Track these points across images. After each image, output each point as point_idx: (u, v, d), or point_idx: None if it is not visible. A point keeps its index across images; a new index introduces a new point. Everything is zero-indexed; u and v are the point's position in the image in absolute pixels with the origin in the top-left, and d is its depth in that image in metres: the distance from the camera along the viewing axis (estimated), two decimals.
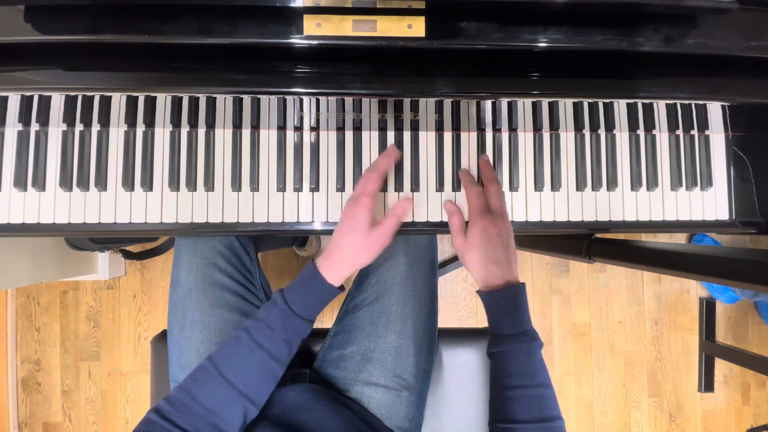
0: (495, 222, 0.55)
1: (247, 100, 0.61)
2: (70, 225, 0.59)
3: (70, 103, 0.59)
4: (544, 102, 0.63)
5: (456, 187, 0.62)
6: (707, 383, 1.42)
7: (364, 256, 0.54)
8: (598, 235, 0.80)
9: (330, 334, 0.69)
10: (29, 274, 1.04)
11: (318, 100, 0.61)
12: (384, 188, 0.62)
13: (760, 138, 0.64)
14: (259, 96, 0.60)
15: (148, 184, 0.60)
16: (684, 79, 0.52)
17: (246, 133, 0.61)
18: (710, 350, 1.39)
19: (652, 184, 0.63)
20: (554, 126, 0.63)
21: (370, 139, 0.62)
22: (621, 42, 0.48)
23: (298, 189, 0.61)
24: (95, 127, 0.60)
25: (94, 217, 0.59)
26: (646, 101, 0.63)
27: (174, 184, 0.60)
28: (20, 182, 0.59)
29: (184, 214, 0.60)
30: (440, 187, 0.62)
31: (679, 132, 0.64)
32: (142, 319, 1.39)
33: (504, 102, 0.62)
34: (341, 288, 0.55)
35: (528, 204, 0.63)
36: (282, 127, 0.61)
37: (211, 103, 0.60)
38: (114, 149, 0.60)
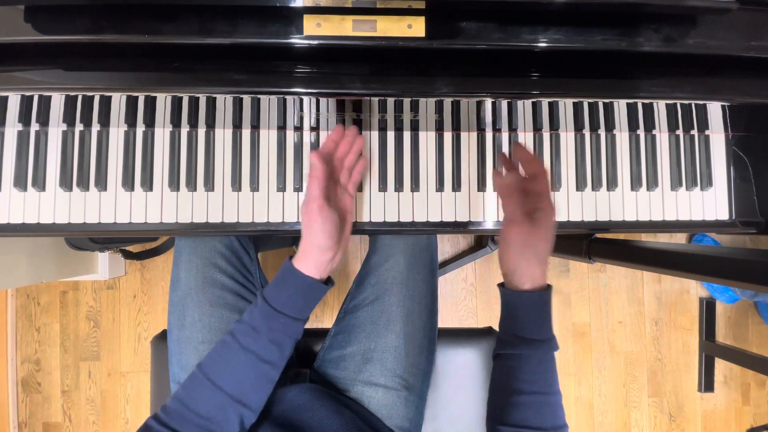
0: (549, 214, 0.51)
1: (247, 100, 0.61)
2: (70, 225, 0.59)
3: (70, 103, 0.59)
4: (544, 102, 0.63)
5: (456, 187, 0.62)
6: (707, 383, 1.42)
7: (324, 229, 0.51)
8: (598, 235, 0.80)
9: (330, 334, 0.69)
10: (29, 274, 1.04)
11: (318, 100, 0.61)
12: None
13: (760, 138, 0.64)
14: (259, 96, 0.60)
15: (148, 184, 0.60)
16: (684, 79, 0.52)
17: (246, 133, 0.61)
18: (710, 350, 1.39)
19: (652, 184, 0.63)
20: (554, 126, 0.63)
21: (370, 139, 0.62)
22: (621, 42, 0.48)
23: (298, 189, 0.61)
24: (95, 127, 0.60)
25: (94, 217, 0.59)
26: (646, 101, 0.63)
27: (174, 184, 0.60)
28: (20, 182, 0.59)
29: (184, 214, 0.60)
30: (440, 187, 0.62)
31: (679, 132, 0.64)
32: (142, 319, 1.39)
33: (504, 102, 0.62)
34: (328, 282, 0.54)
35: None
36: (282, 127, 0.61)
37: (211, 103, 0.60)
38: (114, 149, 0.60)
